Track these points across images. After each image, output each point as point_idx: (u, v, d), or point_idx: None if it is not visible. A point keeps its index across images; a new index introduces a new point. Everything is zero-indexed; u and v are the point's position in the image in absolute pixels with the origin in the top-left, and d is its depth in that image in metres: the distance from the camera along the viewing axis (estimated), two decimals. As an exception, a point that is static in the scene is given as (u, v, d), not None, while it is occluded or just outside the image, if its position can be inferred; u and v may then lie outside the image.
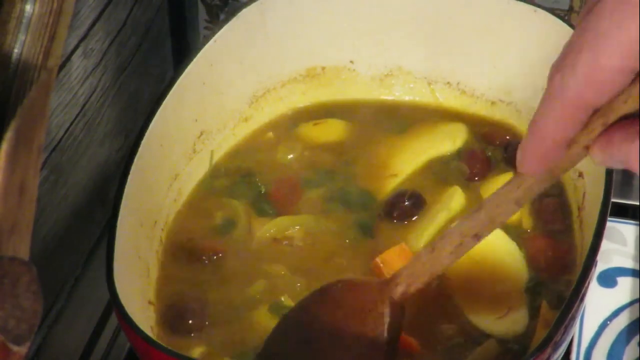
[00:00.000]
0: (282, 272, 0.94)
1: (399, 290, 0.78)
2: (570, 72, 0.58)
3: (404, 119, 1.11)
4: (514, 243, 0.95)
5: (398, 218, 0.99)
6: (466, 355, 0.86)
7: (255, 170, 1.05)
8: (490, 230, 0.74)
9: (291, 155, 1.07)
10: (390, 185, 1.03)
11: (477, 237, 0.75)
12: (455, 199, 0.99)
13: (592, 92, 0.58)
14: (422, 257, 0.78)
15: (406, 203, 0.99)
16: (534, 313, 0.89)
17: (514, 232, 0.96)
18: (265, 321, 0.89)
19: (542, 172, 0.66)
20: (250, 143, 1.09)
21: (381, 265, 0.92)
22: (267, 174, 1.05)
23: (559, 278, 0.92)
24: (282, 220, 0.99)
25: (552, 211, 0.98)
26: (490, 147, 1.07)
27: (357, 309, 0.80)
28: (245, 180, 1.04)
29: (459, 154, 1.06)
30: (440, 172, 1.04)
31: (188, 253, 0.96)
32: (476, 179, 1.03)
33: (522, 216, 0.98)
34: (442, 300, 0.91)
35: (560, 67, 0.59)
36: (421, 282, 0.78)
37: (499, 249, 0.94)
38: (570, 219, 0.97)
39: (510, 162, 1.04)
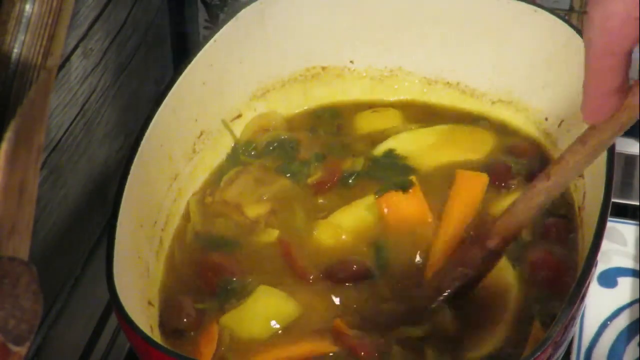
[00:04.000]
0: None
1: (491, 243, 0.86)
2: (589, 26, 0.63)
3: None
4: (508, 262, 0.92)
5: None
6: None
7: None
8: (570, 173, 0.79)
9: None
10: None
11: (549, 177, 0.80)
12: None
13: (608, 38, 0.62)
14: (506, 213, 0.85)
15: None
16: (526, 334, 0.87)
17: (513, 247, 0.92)
18: None
19: (604, 120, 0.70)
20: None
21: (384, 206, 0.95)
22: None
23: (553, 297, 0.89)
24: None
25: (556, 231, 0.96)
26: (514, 160, 1.04)
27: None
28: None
29: (486, 163, 1.04)
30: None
31: None
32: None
33: (524, 232, 0.95)
34: (437, 334, 0.88)
35: (584, 25, 0.64)
36: (511, 234, 0.86)
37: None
38: (574, 239, 0.95)
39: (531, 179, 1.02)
